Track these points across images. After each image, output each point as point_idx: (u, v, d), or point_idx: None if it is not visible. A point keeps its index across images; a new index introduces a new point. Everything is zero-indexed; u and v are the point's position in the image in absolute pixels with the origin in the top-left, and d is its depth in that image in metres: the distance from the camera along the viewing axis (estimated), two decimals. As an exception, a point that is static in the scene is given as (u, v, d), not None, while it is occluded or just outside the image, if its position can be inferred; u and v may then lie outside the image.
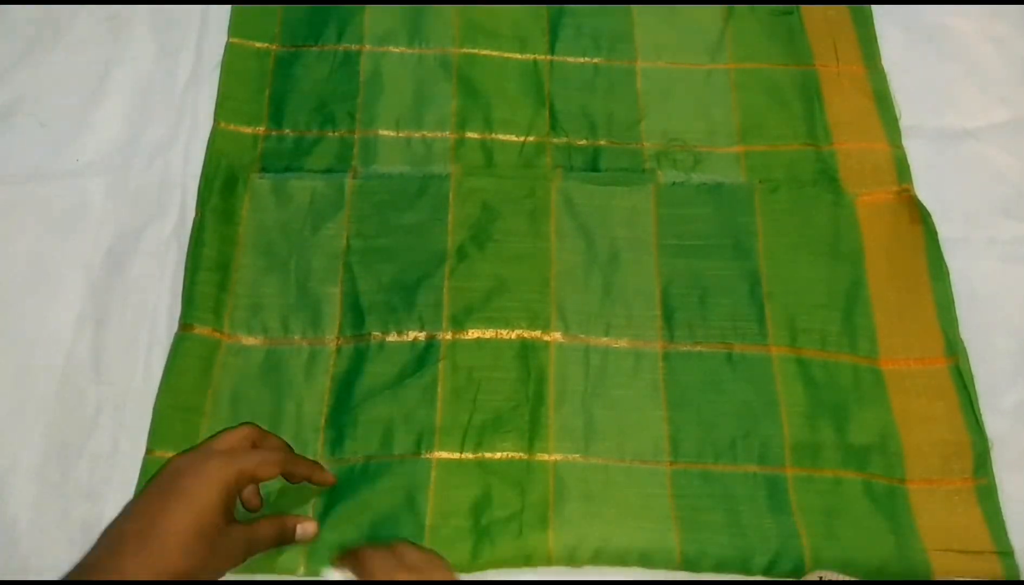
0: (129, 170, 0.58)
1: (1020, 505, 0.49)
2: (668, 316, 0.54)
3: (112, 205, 0.57)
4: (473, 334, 0.53)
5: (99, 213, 0.56)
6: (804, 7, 0.66)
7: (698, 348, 0.53)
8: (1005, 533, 0.48)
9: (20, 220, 0.56)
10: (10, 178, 0.58)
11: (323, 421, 0.50)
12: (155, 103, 0.60)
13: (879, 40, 0.65)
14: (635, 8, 0.65)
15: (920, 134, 0.61)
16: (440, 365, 0.51)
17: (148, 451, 0.49)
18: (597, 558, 0.47)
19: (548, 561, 0.47)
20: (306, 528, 0.45)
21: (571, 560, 0.47)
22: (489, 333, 0.53)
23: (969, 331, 0.54)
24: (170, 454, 0.48)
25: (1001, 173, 0.60)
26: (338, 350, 0.52)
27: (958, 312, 0.54)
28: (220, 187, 0.56)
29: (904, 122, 0.61)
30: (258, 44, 0.62)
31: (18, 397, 0.51)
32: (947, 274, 0.55)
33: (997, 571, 0.47)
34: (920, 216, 0.56)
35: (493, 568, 0.47)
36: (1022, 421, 0.52)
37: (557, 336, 0.53)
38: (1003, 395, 0.53)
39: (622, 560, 0.47)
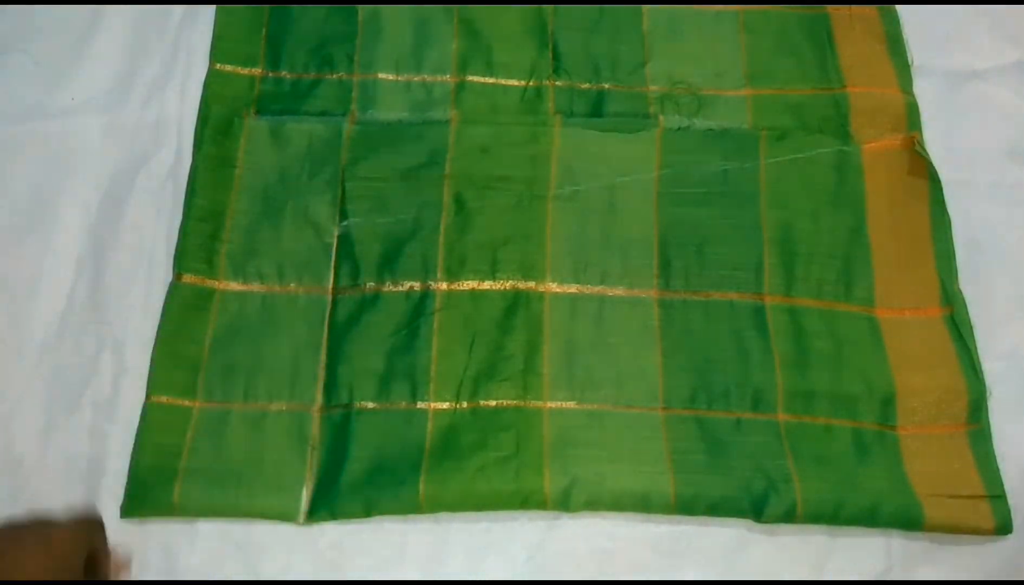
0: (125, 109, 0.57)
1: (1014, 447, 0.50)
2: (665, 264, 0.53)
3: (109, 145, 0.56)
4: (468, 285, 0.52)
5: (96, 153, 0.56)
6: None
7: (694, 296, 0.53)
8: (998, 477, 0.49)
9: (17, 160, 0.56)
10: (5, 117, 0.57)
11: (320, 370, 0.50)
12: (149, 39, 0.59)
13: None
14: None
15: (929, 74, 0.60)
16: (435, 316, 0.51)
17: (148, 397, 0.50)
18: (593, 502, 0.48)
19: (544, 504, 0.48)
20: None
21: (566, 504, 0.48)
22: (485, 284, 0.53)
23: (968, 274, 0.54)
24: (169, 399, 0.49)
25: (1008, 115, 0.59)
26: (335, 299, 0.52)
27: (958, 254, 0.54)
28: (214, 132, 0.55)
29: (912, 62, 0.60)
30: None
31: (20, 337, 0.52)
32: (949, 224, 0.55)
33: (988, 515, 0.48)
34: (925, 165, 0.55)
35: (490, 508, 0.48)
36: (1018, 363, 0.53)
37: (552, 286, 0.53)
38: (1000, 338, 0.53)
39: (617, 504, 0.48)
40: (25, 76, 0.58)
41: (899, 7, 0.62)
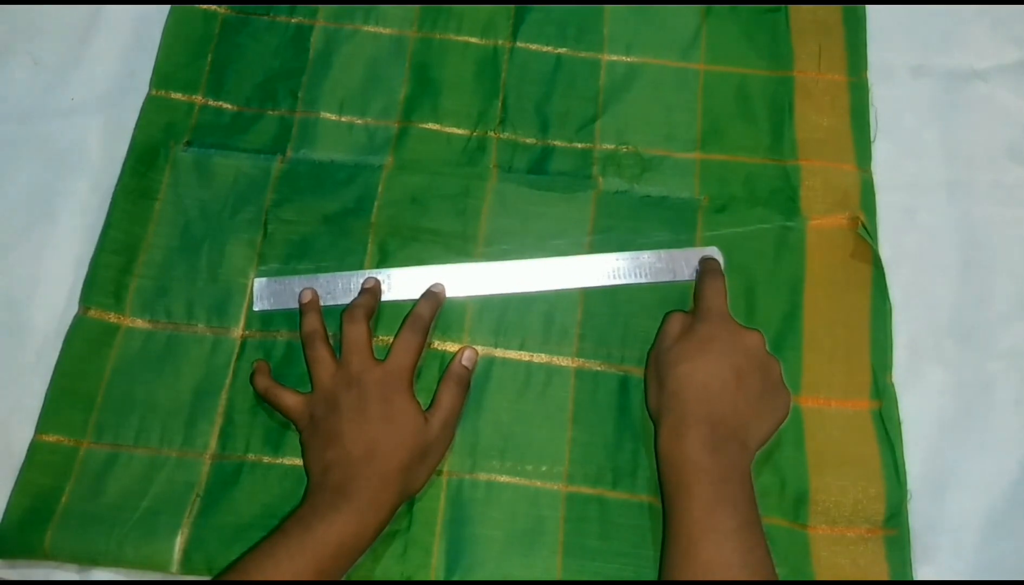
0: (125, 109, 0.57)
1: (1014, 446, 0.50)
2: (587, 334, 0.51)
3: (108, 145, 0.56)
4: (382, 340, 0.51)
5: (96, 153, 0.56)
6: (793, 6, 0.61)
7: (612, 369, 0.51)
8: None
9: (17, 160, 0.56)
10: (5, 117, 0.57)
11: (218, 416, 0.49)
12: (149, 39, 0.59)
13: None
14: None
15: (928, 74, 0.60)
16: None
17: (37, 434, 0.48)
18: None
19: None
20: None
21: None
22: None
23: (969, 273, 0.54)
24: (57, 438, 0.48)
25: (1009, 115, 0.59)
26: (243, 343, 0.51)
27: (957, 254, 0.54)
28: (136, 163, 0.54)
29: (912, 62, 0.60)
30: (206, 5, 0.59)
31: (20, 337, 0.51)
32: (890, 312, 0.52)
33: None
34: (870, 249, 0.53)
35: (371, 579, 0.45)
36: (1017, 362, 0.52)
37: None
38: (1000, 338, 0.53)
39: None
40: (25, 76, 0.58)
41: (897, 8, 0.61)
